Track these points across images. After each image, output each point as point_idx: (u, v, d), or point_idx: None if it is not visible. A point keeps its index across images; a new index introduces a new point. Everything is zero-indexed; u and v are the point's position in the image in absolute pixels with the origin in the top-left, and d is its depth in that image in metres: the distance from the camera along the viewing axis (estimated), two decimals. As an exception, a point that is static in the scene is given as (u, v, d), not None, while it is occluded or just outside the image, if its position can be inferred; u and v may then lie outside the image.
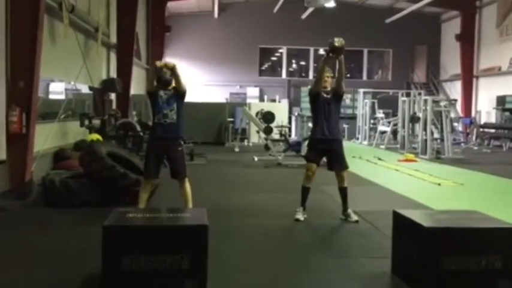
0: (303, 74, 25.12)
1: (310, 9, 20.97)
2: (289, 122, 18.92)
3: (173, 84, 5.14)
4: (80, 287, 3.41)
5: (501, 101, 18.40)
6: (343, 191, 5.50)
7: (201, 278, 3.21)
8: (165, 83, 5.08)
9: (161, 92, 5.09)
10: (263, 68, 24.78)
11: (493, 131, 18.16)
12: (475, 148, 16.42)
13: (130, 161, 6.61)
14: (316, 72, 5.61)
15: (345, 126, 20.43)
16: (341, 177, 5.47)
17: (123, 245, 3.18)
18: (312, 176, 5.45)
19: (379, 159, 12.28)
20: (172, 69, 5.04)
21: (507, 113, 16.92)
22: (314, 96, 5.54)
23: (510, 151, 15.08)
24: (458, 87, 22.14)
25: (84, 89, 11.12)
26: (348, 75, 25.41)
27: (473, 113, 20.50)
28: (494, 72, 19.78)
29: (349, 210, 5.52)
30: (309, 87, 5.96)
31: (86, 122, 9.59)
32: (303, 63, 25.27)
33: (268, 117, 12.65)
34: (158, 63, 5.19)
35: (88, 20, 10.70)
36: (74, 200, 5.88)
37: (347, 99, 23.53)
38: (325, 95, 5.50)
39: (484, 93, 20.60)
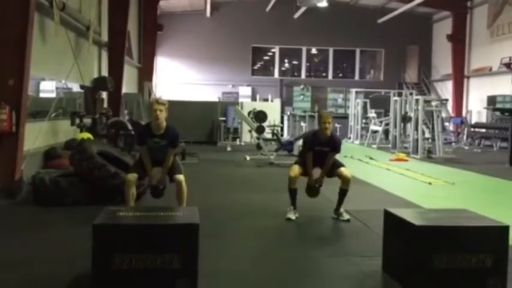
0: (296, 74, 25.14)
1: (302, 9, 20.99)
2: (282, 122, 18.94)
3: (164, 123, 4.90)
4: (70, 286, 3.39)
5: (492, 100, 18.53)
6: (343, 192, 5.52)
7: (192, 277, 3.19)
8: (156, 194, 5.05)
9: (150, 141, 4.88)
10: (255, 67, 24.78)
11: (483, 130, 18.29)
12: (466, 148, 16.52)
13: (121, 159, 6.58)
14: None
15: (337, 125, 20.48)
16: (344, 177, 5.49)
17: (114, 244, 3.15)
18: (295, 178, 5.50)
19: (371, 158, 12.31)
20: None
21: (497, 113, 17.03)
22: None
23: (501, 151, 15.18)
24: (449, 87, 22.28)
25: (76, 88, 11.05)
26: (341, 74, 25.51)
27: (464, 113, 20.63)
28: (485, 72, 19.93)
29: (342, 210, 5.53)
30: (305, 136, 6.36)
31: (77, 121, 9.51)
32: (295, 62, 25.29)
33: (260, 116, 12.63)
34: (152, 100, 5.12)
35: (79, 18, 10.63)
36: (64, 199, 5.84)
37: (339, 98, 23.64)
38: (319, 148, 5.51)
39: (475, 93, 20.75)
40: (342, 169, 5.53)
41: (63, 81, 10.18)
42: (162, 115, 4.80)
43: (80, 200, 5.85)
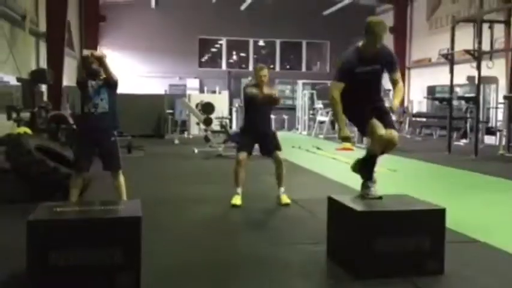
0: (243, 66, 25.11)
1: (249, 1, 20.97)
2: (230, 114, 18.89)
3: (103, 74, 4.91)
4: (5, 285, 3.22)
5: (431, 90, 19.29)
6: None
7: (135, 272, 3.11)
8: (92, 74, 4.86)
9: (91, 82, 4.85)
10: (203, 59, 24.54)
11: (424, 119, 19.03)
12: (408, 136, 17.13)
13: (61, 154, 6.31)
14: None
15: (285, 117, 20.70)
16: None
17: (50, 240, 3.02)
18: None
19: (318, 148, 12.52)
20: (100, 59, 4.81)
21: (437, 102, 17.76)
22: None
23: (440, 139, 15.85)
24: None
25: (13, 81, 10.53)
26: (288, 66, 25.73)
27: (405, 103, 21.35)
28: (424, 63, 20.69)
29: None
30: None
31: (14, 115, 9.07)
32: (243, 54, 25.26)
33: (207, 108, 12.52)
34: (85, 52, 4.98)
35: (14, 7, 10.13)
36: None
37: (287, 90, 23.86)
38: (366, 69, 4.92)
39: (416, 83, 21.51)
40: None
41: (-2, 74, 9.67)
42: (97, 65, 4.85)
43: (17, 197, 5.57)
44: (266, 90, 5.63)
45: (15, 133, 7.92)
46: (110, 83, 4.85)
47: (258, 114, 5.66)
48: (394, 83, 4.09)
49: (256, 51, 25.31)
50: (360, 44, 4.00)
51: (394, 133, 3.93)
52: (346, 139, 4.03)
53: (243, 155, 5.58)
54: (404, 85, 16.28)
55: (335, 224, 3.80)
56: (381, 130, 3.85)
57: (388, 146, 3.95)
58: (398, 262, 3.39)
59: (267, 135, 5.74)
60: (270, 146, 5.68)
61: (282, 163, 5.66)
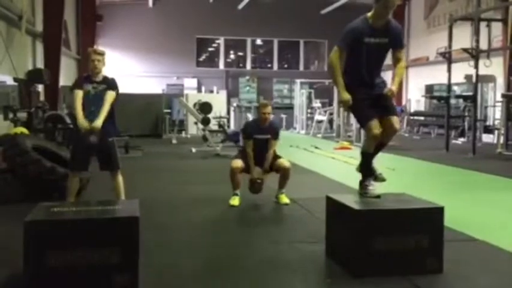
0: (241, 65, 25.09)
1: (246, 0, 20.94)
2: (228, 113, 18.87)
3: (103, 73, 4.80)
4: (2, 286, 3.20)
5: (429, 89, 19.31)
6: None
7: (132, 272, 3.09)
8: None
9: (89, 86, 4.68)
10: (200, 58, 24.50)
11: (422, 118, 19.04)
12: (406, 135, 17.14)
13: (58, 154, 6.30)
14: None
15: (283, 116, 20.71)
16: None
17: (47, 241, 3.00)
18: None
19: (316, 147, 12.51)
20: (102, 55, 4.74)
21: (435, 101, 17.77)
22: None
23: (438, 137, 15.86)
24: (389, 76, 22.88)
25: (9, 81, 10.49)
26: (286, 65, 25.71)
27: (404, 102, 21.37)
28: (422, 62, 20.70)
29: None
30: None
31: (11, 115, 9.03)
32: (240, 53, 25.23)
33: (205, 108, 12.50)
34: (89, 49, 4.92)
35: (10, 7, 10.09)
36: (-4, 197, 5.53)
37: (285, 89, 23.85)
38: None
39: (414, 82, 21.52)
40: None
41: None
42: (100, 65, 4.69)
43: (14, 198, 5.55)
44: (256, 174, 5.51)
45: (12, 133, 7.89)
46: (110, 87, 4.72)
47: (258, 151, 5.58)
48: (397, 60, 3.92)
49: (254, 50, 25.29)
50: (369, 14, 3.79)
51: (394, 119, 3.84)
52: (346, 102, 3.84)
53: (237, 163, 5.52)
54: (402, 83, 16.22)
55: (333, 223, 3.79)
56: (376, 130, 3.77)
57: (388, 133, 3.87)
58: (397, 261, 3.38)
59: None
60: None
61: (288, 171, 5.59)
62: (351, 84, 3.84)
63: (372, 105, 3.83)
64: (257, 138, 5.52)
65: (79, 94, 4.65)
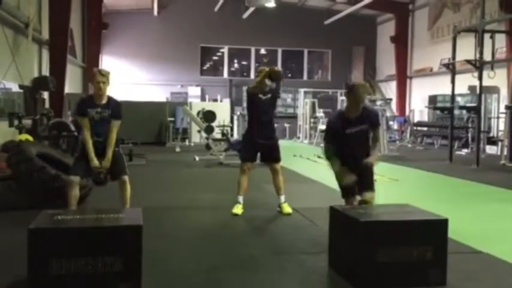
0: (245, 74, 25.19)
1: (251, 9, 21.05)
2: (231, 122, 18.91)
3: (107, 93, 4.75)
4: (4, 295, 3.20)
5: (433, 100, 19.31)
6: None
7: (135, 280, 3.09)
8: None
9: (93, 112, 4.67)
10: (204, 67, 24.61)
11: (425, 129, 19.02)
12: (409, 145, 17.11)
13: (62, 161, 6.32)
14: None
15: (286, 125, 20.72)
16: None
17: (51, 249, 3.00)
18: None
19: (319, 157, 12.48)
20: (107, 77, 4.71)
21: (438, 112, 17.76)
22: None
23: (441, 148, 15.83)
24: (393, 87, 23.01)
25: (15, 88, 10.56)
26: (289, 75, 25.79)
27: (407, 112, 21.37)
28: (426, 72, 20.73)
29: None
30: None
31: (16, 122, 9.09)
32: (244, 62, 25.33)
33: (209, 116, 12.54)
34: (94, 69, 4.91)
35: (17, 15, 10.18)
36: (0, 203, 5.53)
37: (288, 98, 23.89)
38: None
39: (417, 92, 21.55)
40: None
41: (0, 81, 9.68)
42: (105, 86, 4.67)
43: (18, 205, 5.56)
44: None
45: (17, 140, 7.94)
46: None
47: (261, 119, 5.59)
48: (374, 139, 4.46)
49: (258, 59, 25.38)
50: (344, 108, 4.48)
51: (368, 196, 4.33)
52: (349, 182, 4.37)
53: (248, 165, 5.58)
54: (405, 94, 16.38)
55: (337, 233, 3.78)
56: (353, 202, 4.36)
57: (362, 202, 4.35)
58: (400, 272, 3.36)
59: (269, 144, 5.67)
60: (272, 155, 5.66)
61: (279, 172, 5.64)
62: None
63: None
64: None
65: (86, 124, 4.68)
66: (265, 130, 5.61)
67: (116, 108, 4.77)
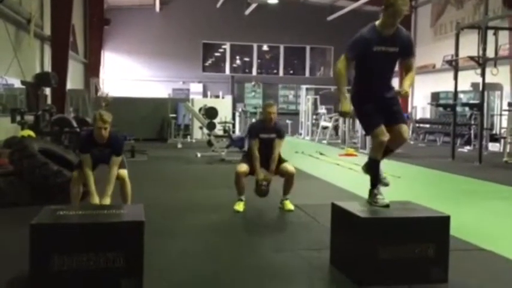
0: (247, 70, 25.14)
1: (253, 6, 21.01)
2: (233, 118, 18.91)
3: (106, 134, 4.67)
4: (6, 290, 3.21)
5: (435, 97, 19.27)
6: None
7: (137, 276, 3.10)
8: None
9: (93, 150, 4.70)
10: (206, 63, 24.58)
11: (427, 126, 18.98)
12: (411, 142, 17.08)
13: (65, 157, 6.33)
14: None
15: (288, 122, 20.72)
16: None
17: (53, 244, 3.01)
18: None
19: (321, 154, 12.49)
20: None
21: (440, 109, 17.72)
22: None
23: (443, 145, 15.80)
24: (395, 83, 22.88)
25: (17, 84, 10.57)
26: (291, 71, 25.74)
27: (409, 109, 21.33)
28: (429, 69, 20.66)
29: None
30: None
31: (18, 118, 9.10)
32: (246, 59, 25.29)
33: (211, 112, 12.53)
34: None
35: (19, 11, 10.17)
36: (2, 199, 5.55)
37: (290, 95, 23.88)
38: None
39: (420, 89, 21.48)
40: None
41: (2, 77, 9.69)
42: (107, 132, 4.65)
43: (20, 200, 5.58)
44: (262, 175, 5.52)
45: (19, 136, 7.95)
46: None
47: (263, 152, 5.58)
48: (407, 69, 3.84)
49: (260, 55, 25.34)
50: (377, 22, 3.71)
51: (402, 128, 3.78)
52: (345, 114, 3.81)
53: (242, 168, 5.52)
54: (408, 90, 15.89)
55: (338, 230, 3.78)
56: (383, 137, 3.71)
57: (397, 142, 3.84)
58: (402, 270, 3.37)
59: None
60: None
61: (292, 176, 5.59)
62: (359, 93, 3.83)
63: (378, 111, 3.77)
64: (262, 137, 5.54)
65: (88, 161, 4.68)
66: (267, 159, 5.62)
67: (116, 145, 4.78)
